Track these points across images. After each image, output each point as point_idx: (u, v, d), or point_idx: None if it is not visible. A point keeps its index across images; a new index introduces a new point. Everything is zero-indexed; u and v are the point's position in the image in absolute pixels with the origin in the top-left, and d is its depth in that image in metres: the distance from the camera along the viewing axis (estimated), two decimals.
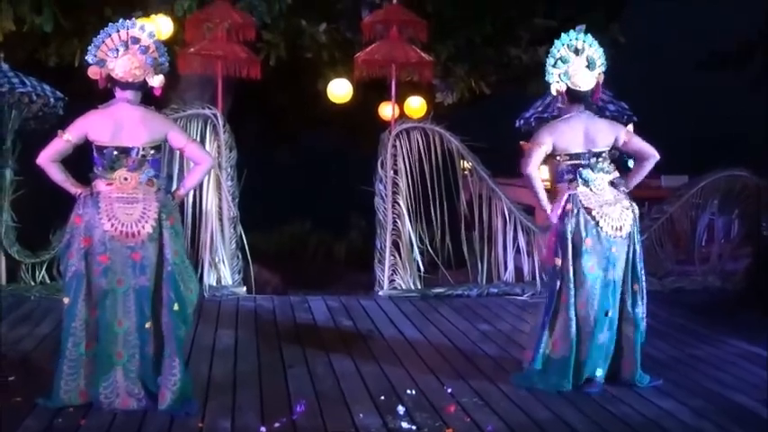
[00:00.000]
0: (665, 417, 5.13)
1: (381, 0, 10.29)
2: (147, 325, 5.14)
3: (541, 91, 9.74)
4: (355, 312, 8.12)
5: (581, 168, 5.68)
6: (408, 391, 5.51)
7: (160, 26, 9.31)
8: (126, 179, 5.15)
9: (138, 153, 5.18)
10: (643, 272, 5.83)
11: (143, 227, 5.10)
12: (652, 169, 5.99)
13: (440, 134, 9.19)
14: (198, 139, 8.64)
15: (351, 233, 12.79)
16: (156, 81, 5.29)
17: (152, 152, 5.25)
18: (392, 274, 9.13)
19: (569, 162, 5.71)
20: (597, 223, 5.61)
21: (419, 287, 9.12)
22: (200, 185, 8.70)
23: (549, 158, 5.80)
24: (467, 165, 9.27)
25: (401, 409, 5.13)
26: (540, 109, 9.54)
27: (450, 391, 5.56)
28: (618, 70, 11.65)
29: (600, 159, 5.71)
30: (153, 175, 5.23)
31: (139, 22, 5.47)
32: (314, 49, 10.87)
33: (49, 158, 5.21)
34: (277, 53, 10.56)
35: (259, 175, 9.27)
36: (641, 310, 5.78)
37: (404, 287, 9.09)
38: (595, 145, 5.72)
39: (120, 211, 5.09)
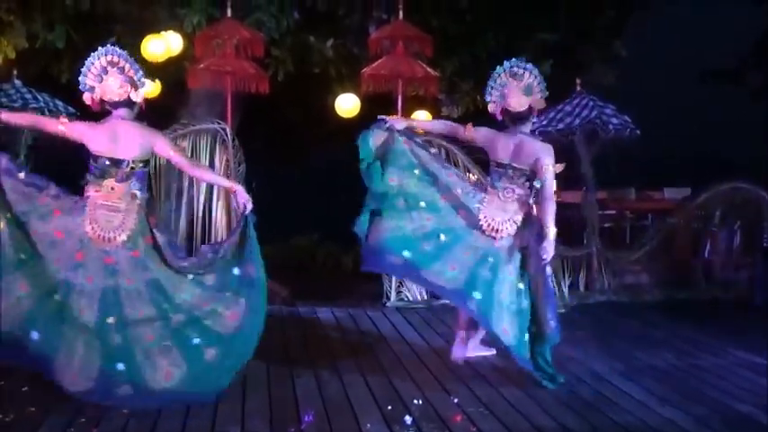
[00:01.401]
0: (667, 425, 5.20)
1: (388, 16, 10.39)
2: (110, 320, 5.50)
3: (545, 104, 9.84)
4: (363, 323, 8.21)
5: (497, 174, 6.33)
6: (415, 401, 5.58)
7: (170, 42, 9.43)
8: (113, 189, 5.63)
9: (127, 165, 5.64)
10: (535, 281, 6.26)
11: (119, 235, 5.58)
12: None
13: (445, 147, 9.26)
14: (207, 153, 8.75)
15: (358, 245, 12.83)
16: (139, 96, 5.73)
17: (140, 165, 5.71)
18: (399, 286, 9.21)
19: (495, 168, 6.37)
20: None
21: (426, 298, 9.20)
22: (210, 199, 8.81)
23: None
24: (472, 177, 9.32)
25: (408, 419, 5.20)
26: (544, 122, 9.63)
27: (456, 400, 5.64)
28: (621, 83, 11.82)
29: (517, 174, 6.26)
30: (138, 188, 5.68)
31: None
32: (321, 65, 10.94)
33: (32, 119, 5.97)
34: (285, 68, 10.64)
35: (267, 188, 9.34)
36: (526, 304, 6.21)
37: (411, 298, 9.18)
38: (519, 161, 6.25)
39: (102, 218, 5.57)
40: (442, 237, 6.29)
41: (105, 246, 5.56)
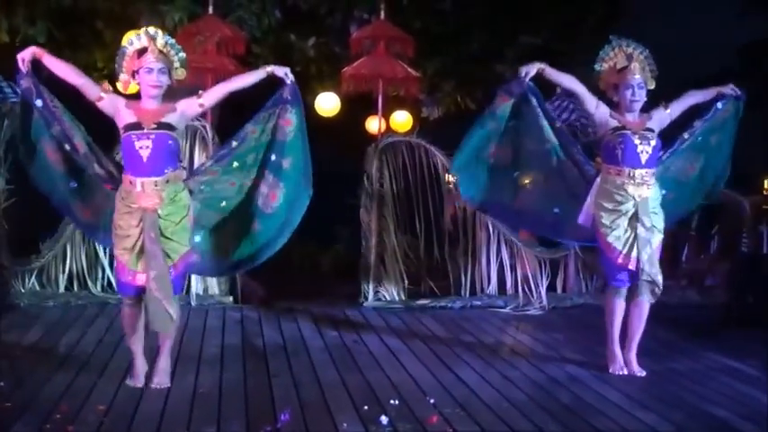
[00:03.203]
0: (646, 430, 5.19)
1: (370, 16, 10.39)
2: None
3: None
4: (340, 323, 8.19)
5: None
6: (392, 402, 5.56)
7: None
8: None
9: None
10: None
11: None
12: None
13: (425, 148, 9.27)
14: (187, 150, 8.70)
15: (337, 245, 12.85)
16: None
17: None
18: (377, 286, 9.19)
19: None
20: None
21: (404, 299, 9.18)
22: None
23: None
24: (451, 178, 9.34)
25: (384, 419, 5.18)
26: None
27: (432, 401, 5.62)
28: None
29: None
30: None
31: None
32: (303, 63, 10.94)
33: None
34: None
35: None
36: None
37: (388, 299, 9.16)
38: None
39: None
40: None
41: None
